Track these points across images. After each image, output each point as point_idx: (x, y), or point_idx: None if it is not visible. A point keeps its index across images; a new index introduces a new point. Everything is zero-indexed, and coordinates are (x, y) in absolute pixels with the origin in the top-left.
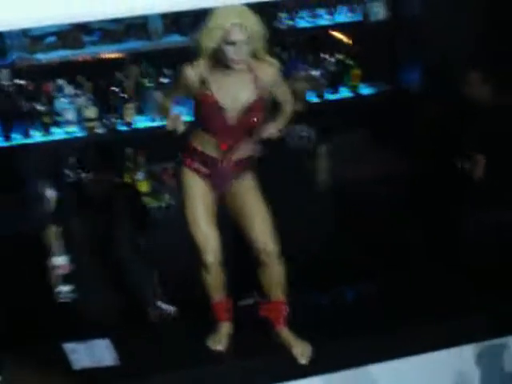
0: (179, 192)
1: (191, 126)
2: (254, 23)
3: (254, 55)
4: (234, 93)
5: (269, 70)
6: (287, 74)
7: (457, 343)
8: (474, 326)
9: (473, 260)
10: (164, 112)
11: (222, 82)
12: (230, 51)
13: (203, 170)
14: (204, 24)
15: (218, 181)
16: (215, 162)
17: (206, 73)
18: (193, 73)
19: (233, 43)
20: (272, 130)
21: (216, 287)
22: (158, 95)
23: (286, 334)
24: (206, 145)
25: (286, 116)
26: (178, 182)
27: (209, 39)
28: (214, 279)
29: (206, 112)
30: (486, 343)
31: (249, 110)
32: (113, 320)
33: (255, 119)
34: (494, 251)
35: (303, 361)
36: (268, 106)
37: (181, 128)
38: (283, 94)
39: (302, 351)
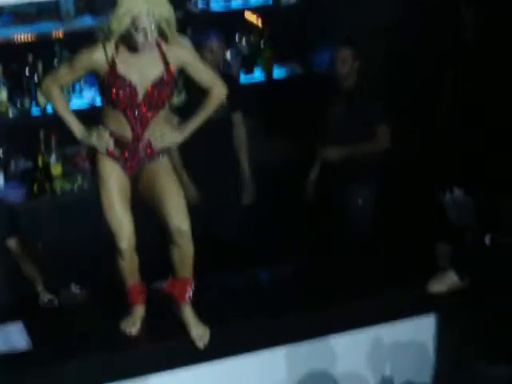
0: (93, 176)
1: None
2: (162, 8)
3: (165, 36)
4: (142, 70)
5: (179, 52)
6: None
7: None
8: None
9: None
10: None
11: (129, 60)
12: (139, 36)
13: (115, 151)
14: (114, 8)
15: (132, 162)
16: (127, 143)
17: (114, 54)
18: (100, 55)
19: (141, 29)
20: (173, 138)
21: (130, 272)
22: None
23: (187, 312)
24: (118, 125)
25: (206, 109)
26: (92, 165)
27: (117, 25)
28: (128, 264)
29: (114, 90)
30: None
31: (157, 86)
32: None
33: (163, 96)
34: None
35: (200, 344)
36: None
37: (109, 145)
38: (203, 77)
39: (200, 334)
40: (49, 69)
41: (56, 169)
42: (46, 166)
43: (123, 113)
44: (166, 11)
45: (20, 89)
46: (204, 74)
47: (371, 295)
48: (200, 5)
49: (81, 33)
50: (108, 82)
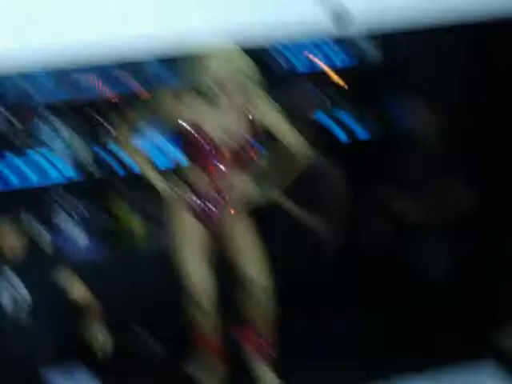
0: (172, 229)
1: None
2: (242, 63)
3: (248, 94)
4: (225, 127)
5: (264, 111)
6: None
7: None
8: None
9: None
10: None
11: (212, 118)
12: (223, 94)
13: (197, 206)
14: (196, 64)
15: (212, 217)
16: (208, 198)
17: (196, 109)
18: (183, 108)
19: (224, 85)
20: (253, 195)
21: (206, 322)
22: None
23: (261, 364)
24: (199, 180)
25: (287, 167)
26: (170, 218)
27: (200, 80)
28: (205, 316)
29: (197, 146)
30: None
31: (239, 144)
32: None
33: (246, 154)
34: None
35: None
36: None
37: (191, 200)
38: (286, 137)
39: None
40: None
41: (138, 226)
42: (129, 223)
43: (204, 169)
44: (247, 66)
45: (101, 147)
46: (288, 134)
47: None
48: (285, 65)
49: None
50: (190, 137)
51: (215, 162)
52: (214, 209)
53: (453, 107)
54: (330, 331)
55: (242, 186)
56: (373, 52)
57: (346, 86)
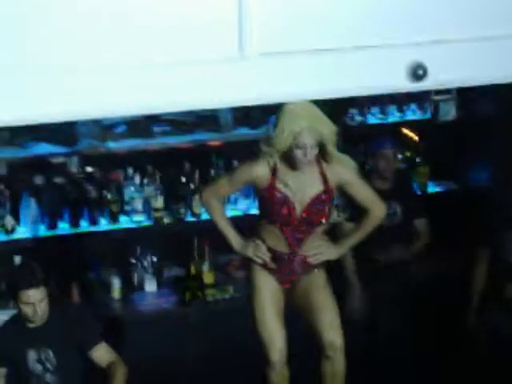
0: (247, 287)
1: (257, 220)
2: (324, 126)
3: (325, 154)
4: (301, 187)
5: (339, 170)
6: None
7: None
8: None
9: None
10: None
11: (288, 177)
12: (299, 154)
13: (271, 264)
14: (275, 124)
15: (287, 276)
16: (283, 257)
17: (274, 169)
18: (261, 170)
19: (301, 146)
20: (329, 255)
21: None
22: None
23: None
24: (273, 239)
25: (365, 228)
26: (247, 276)
27: (280, 143)
28: (279, 378)
29: (273, 205)
30: None
31: (315, 204)
32: None
33: (322, 214)
34: None
35: None
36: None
37: (266, 258)
38: (362, 195)
39: None
40: (205, 177)
41: (208, 277)
42: (199, 273)
43: (279, 228)
44: (328, 128)
45: (176, 196)
46: (364, 192)
47: None
48: (357, 118)
49: (238, 143)
50: (266, 197)
51: (289, 221)
52: (289, 267)
53: None
54: None
55: (318, 245)
56: (449, 107)
57: (420, 142)
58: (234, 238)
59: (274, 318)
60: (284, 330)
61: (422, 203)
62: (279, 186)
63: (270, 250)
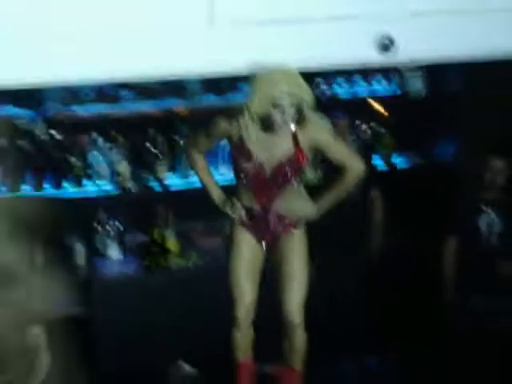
0: (228, 244)
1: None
2: (303, 91)
3: (300, 118)
4: (271, 147)
5: (313, 132)
6: None
7: None
8: None
9: None
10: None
11: (259, 137)
12: (277, 117)
13: (247, 221)
14: (253, 89)
15: (265, 234)
16: (256, 213)
17: (246, 128)
18: (233, 126)
19: (280, 109)
20: (305, 211)
21: (243, 347)
22: (192, 157)
23: None
24: (245, 195)
25: (344, 185)
26: (228, 237)
27: (258, 107)
28: (243, 338)
29: (242, 163)
30: None
31: (284, 165)
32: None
33: (291, 175)
34: None
35: None
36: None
37: (241, 215)
38: (338, 154)
39: None
40: (171, 144)
41: (172, 244)
42: (162, 240)
43: (249, 185)
44: (307, 94)
45: (140, 163)
46: (341, 151)
47: None
48: (327, 91)
49: (204, 111)
50: (236, 153)
51: (259, 180)
52: (265, 225)
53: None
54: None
55: (290, 202)
56: (418, 83)
57: (387, 115)
58: (215, 193)
59: (247, 274)
60: (256, 289)
61: (380, 176)
62: (248, 143)
63: (244, 207)
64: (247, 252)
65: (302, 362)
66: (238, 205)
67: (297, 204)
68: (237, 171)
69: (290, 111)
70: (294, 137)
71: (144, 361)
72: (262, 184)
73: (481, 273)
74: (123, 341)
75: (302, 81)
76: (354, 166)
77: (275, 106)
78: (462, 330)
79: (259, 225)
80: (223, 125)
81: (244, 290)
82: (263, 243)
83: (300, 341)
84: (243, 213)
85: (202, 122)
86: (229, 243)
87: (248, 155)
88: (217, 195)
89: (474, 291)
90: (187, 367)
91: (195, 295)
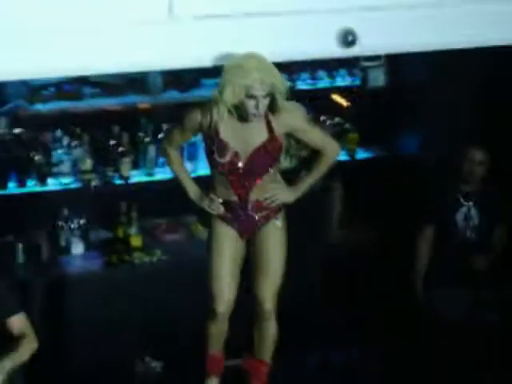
0: (208, 237)
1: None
2: (274, 78)
3: (273, 106)
4: (245, 136)
5: (287, 118)
6: None
7: None
8: None
9: None
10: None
11: (233, 127)
12: (251, 106)
13: (227, 214)
14: (224, 80)
15: (245, 225)
16: (235, 206)
17: (219, 119)
18: (206, 118)
19: (253, 97)
20: (284, 197)
21: (217, 339)
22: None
23: None
24: (222, 188)
25: (320, 169)
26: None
27: (231, 97)
28: (218, 330)
29: (217, 154)
30: None
31: (259, 154)
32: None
33: (267, 163)
34: None
35: None
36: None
37: (220, 211)
38: (314, 139)
39: None
40: (134, 140)
41: (136, 240)
42: (126, 236)
43: (226, 177)
44: (278, 79)
45: (104, 159)
46: (316, 136)
47: None
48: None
49: (167, 106)
50: (211, 145)
51: (235, 170)
52: (244, 216)
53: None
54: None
55: (268, 190)
56: (378, 74)
57: (351, 110)
58: (191, 188)
59: (228, 269)
60: (237, 284)
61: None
62: (223, 134)
63: (223, 200)
64: (228, 247)
65: (272, 354)
66: (217, 200)
67: (275, 191)
68: (212, 164)
69: (264, 99)
70: (269, 124)
71: (109, 356)
72: (239, 175)
73: (453, 265)
74: (88, 337)
75: (273, 68)
76: (330, 149)
77: (248, 94)
78: (432, 322)
79: (239, 217)
80: (197, 117)
81: (225, 285)
82: (243, 236)
83: (272, 330)
84: (221, 208)
85: (165, 118)
86: (209, 236)
87: (223, 146)
88: (193, 191)
89: (444, 284)
90: (153, 362)
91: (159, 290)
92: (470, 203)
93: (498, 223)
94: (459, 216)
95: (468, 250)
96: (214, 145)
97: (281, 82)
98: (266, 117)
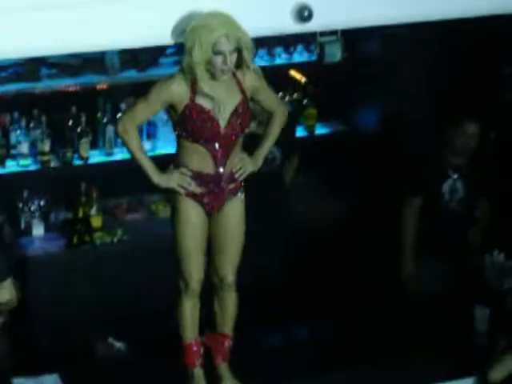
0: (171, 215)
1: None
2: (240, 32)
3: (241, 63)
4: (221, 100)
5: (252, 78)
6: None
7: None
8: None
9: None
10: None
11: (207, 91)
12: (219, 62)
13: (197, 189)
14: (190, 41)
15: (214, 200)
16: (209, 178)
17: (193, 85)
18: (180, 87)
19: (221, 53)
20: (250, 167)
21: (192, 321)
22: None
23: (223, 367)
24: (198, 160)
25: (274, 132)
26: (171, 205)
27: (199, 56)
28: (192, 310)
29: (195, 123)
30: None
31: (237, 115)
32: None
33: (242, 125)
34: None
35: None
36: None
37: (191, 187)
38: (269, 100)
39: None
40: (92, 121)
41: (96, 221)
42: (86, 217)
43: (204, 146)
44: (244, 33)
45: (63, 140)
46: (271, 96)
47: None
48: None
49: (125, 86)
50: (187, 115)
51: (214, 136)
52: (216, 189)
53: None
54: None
55: (240, 158)
56: (335, 49)
57: (309, 86)
58: (152, 170)
59: (198, 246)
60: (204, 257)
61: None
62: (200, 101)
63: (195, 173)
64: (197, 224)
65: (233, 327)
66: (188, 174)
67: (244, 161)
68: (185, 131)
69: (231, 55)
70: (240, 86)
71: (71, 338)
72: (218, 140)
73: (437, 237)
74: (50, 318)
75: (237, 23)
76: (282, 109)
77: (216, 51)
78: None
79: (211, 191)
80: (172, 87)
81: (198, 262)
82: (211, 212)
83: (233, 301)
84: (193, 183)
85: (123, 98)
86: (174, 216)
87: (198, 111)
88: (155, 173)
89: (428, 256)
90: (116, 343)
91: (121, 270)
92: (456, 175)
93: (481, 197)
94: (445, 188)
95: (454, 223)
96: (191, 112)
97: (246, 36)
98: (236, 77)
